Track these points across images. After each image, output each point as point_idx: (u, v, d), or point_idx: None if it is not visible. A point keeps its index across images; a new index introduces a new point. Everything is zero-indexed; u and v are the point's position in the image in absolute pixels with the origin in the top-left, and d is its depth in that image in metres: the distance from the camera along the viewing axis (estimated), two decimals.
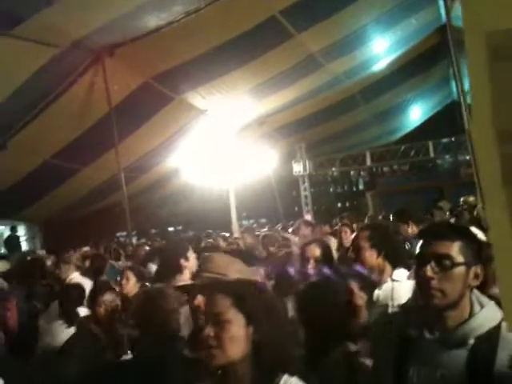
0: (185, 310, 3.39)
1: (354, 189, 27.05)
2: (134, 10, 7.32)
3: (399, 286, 2.81)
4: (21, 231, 14.61)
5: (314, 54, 10.88)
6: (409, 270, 2.88)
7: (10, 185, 10.63)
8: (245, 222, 21.05)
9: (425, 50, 14.73)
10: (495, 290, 1.57)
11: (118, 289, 4.10)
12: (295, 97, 12.82)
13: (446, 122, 18.18)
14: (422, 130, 21.04)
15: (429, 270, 1.64)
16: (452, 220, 7.85)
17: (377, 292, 2.94)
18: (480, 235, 3.82)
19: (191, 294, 2.18)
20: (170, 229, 23.34)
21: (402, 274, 2.91)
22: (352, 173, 20.38)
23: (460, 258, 1.64)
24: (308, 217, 16.22)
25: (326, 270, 2.34)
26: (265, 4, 8.75)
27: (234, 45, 9.18)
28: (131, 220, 9.60)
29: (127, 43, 8.45)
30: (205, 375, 1.64)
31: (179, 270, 3.54)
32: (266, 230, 10.29)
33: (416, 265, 1.71)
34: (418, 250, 1.73)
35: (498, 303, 1.69)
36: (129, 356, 3.11)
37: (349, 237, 5.82)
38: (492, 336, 1.60)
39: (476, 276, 1.67)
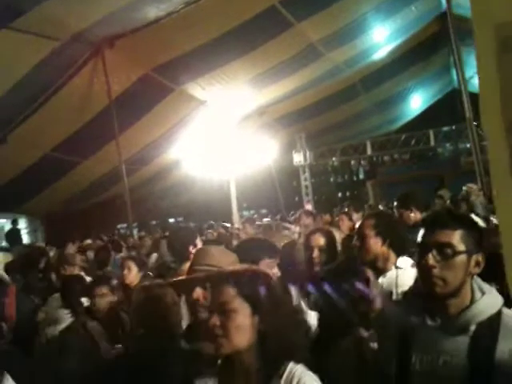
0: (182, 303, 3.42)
1: (355, 178, 27.01)
2: (134, 1, 7.30)
3: (403, 274, 2.83)
4: (22, 224, 14.62)
5: (315, 43, 10.84)
6: (413, 257, 2.90)
7: (11, 178, 10.63)
8: (245, 213, 21.08)
9: (425, 38, 14.67)
10: None
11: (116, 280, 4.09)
12: (295, 86, 12.79)
13: (446, 110, 18.13)
14: (423, 118, 20.97)
15: (430, 259, 1.65)
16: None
17: (381, 280, 2.95)
18: (480, 223, 3.82)
19: (189, 286, 2.19)
20: (171, 220, 23.37)
21: (406, 261, 2.92)
22: (352, 162, 20.35)
23: (461, 247, 1.65)
24: (308, 207, 16.23)
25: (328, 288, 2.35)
26: None
27: (234, 35, 9.15)
28: (132, 212, 9.63)
29: (127, 35, 8.43)
30: (205, 366, 1.67)
31: (188, 257, 3.55)
32: (267, 219, 10.31)
33: (418, 253, 1.73)
34: (419, 239, 1.74)
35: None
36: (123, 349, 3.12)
37: (346, 225, 5.85)
38: (493, 322, 1.62)
39: (477, 264, 1.68)
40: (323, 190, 25.57)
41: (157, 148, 12.50)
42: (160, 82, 10.11)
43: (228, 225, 11.46)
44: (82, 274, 5.15)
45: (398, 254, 3.01)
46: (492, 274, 1.69)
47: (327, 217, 8.54)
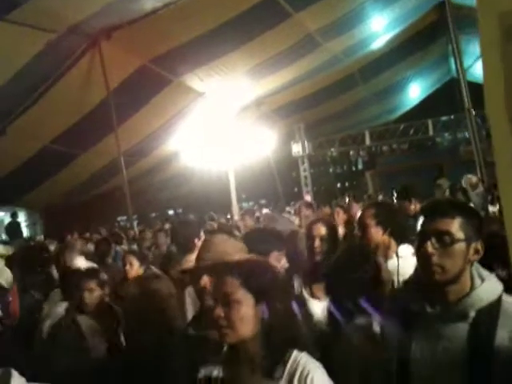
0: (190, 290, 3.43)
1: (354, 169, 27.03)
2: None
3: (404, 262, 2.85)
4: (21, 218, 14.62)
5: (312, 33, 10.80)
6: (413, 246, 2.91)
7: (10, 170, 10.62)
8: (244, 204, 21.09)
9: (423, 28, 14.64)
10: None
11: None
12: (294, 77, 12.76)
13: (444, 99, 18.11)
14: (421, 108, 20.95)
15: (429, 247, 1.66)
16: None
17: None
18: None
19: (197, 275, 2.20)
20: (170, 212, 23.39)
21: (406, 250, 2.94)
22: (351, 153, 20.32)
23: (460, 235, 1.66)
24: (308, 198, 16.23)
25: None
26: None
27: (232, 26, 9.11)
28: (132, 204, 9.63)
29: (124, 26, 8.39)
30: (211, 354, 1.68)
31: (193, 249, 3.56)
32: (266, 210, 10.33)
33: (417, 241, 1.74)
34: (419, 227, 1.75)
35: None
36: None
37: (341, 218, 5.88)
38: (493, 309, 1.63)
39: (476, 251, 1.69)
40: (322, 180, 25.56)
41: (155, 140, 12.49)
42: (158, 74, 10.08)
43: (227, 216, 11.47)
44: (83, 258, 5.18)
45: (399, 243, 3.03)
46: (498, 260, 1.70)
47: (327, 209, 8.56)
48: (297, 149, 18.12)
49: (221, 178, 14.23)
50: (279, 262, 2.56)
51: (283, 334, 1.57)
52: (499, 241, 1.54)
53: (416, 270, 1.82)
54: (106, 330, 3.34)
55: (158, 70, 9.98)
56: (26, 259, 6.20)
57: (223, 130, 12.85)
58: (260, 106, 14.68)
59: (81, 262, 5.07)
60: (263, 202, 22.62)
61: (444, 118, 18.27)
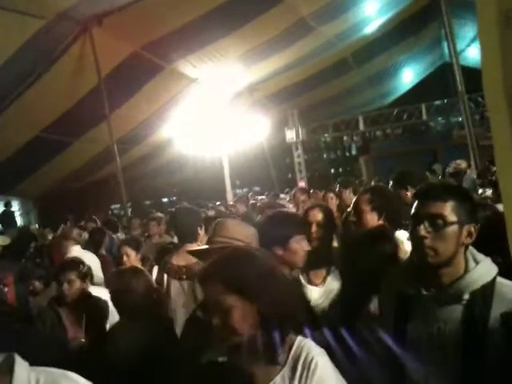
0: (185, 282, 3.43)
1: (347, 154, 27.00)
2: None
3: (400, 247, 2.86)
4: (14, 207, 14.56)
5: (305, 17, 10.72)
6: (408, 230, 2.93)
7: (3, 159, 10.54)
8: (238, 191, 21.07)
9: (415, 12, 14.58)
10: None
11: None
12: (287, 62, 12.69)
13: (438, 84, 18.11)
14: (415, 92, 20.93)
15: (422, 230, 1.68)
16: None
17: None
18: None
19: (205, 258, 2.20)
20: (164, 200, 23.34)
21: (402, 235, 2.95)
22: (345, 138, 20.30)
23: (453, 218, 1.67)
24: (302, 184, 16.26)
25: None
26: None
27: (223, 11, 9.01)
28: (126, 192, 9.61)
29: (115, 12, 8.28)
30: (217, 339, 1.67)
31: (195, 238, 3.55)
32: (262, 197, 10.33)
33: (410, 225, 1.75)
34: (412, 211, 1.77)
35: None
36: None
37: (333, 203, 5.90)
38: (487, 291, 1.65)
39: (469, 234, 1.70)
40: (316, 166, 25.52)
41: (149, 127, 12.42)
42: (150, 60, 9.99)
43: (217, 203, 11.43)
44: (79, 247, 5.17)
45: (395, 228, 3.04)
46: (494, 246, 1.71)
47: (321, 194, 8.56)
48: (290, 135, 18.08)
49: (214, 164, 14.22)
50: (300, 245, 2.56)
51: (283, 322, 1.57)
52: (493, 225, 1.55)
53: (410, 253, 1.83)
54: (88, 322, 3.32)
55: (149, 57, 9.89)
56: (17, 249, 6.23)
57: (216, 116, 12.82)
58: (253, 93, 14.62)
59: (77, 252, 5.07)
60: (257, 188, 22.60)
61: (437, 103, 18.28)
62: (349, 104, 19.58)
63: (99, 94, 8.90)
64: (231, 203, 10.73)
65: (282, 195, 10.25)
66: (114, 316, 3.26)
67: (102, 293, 3.60)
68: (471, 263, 1.71)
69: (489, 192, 5.78)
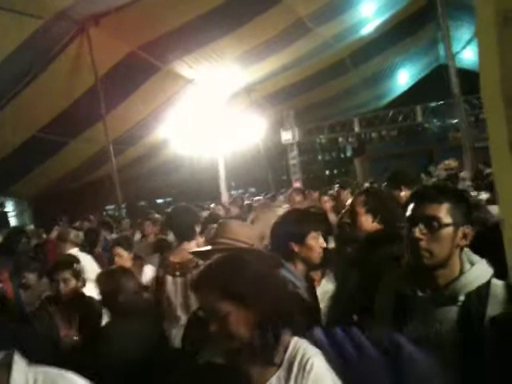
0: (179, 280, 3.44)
1: (342, 156, 27.08)
2: None
3: None
4: (8, 208, 14.50)
5: (303, 18, 10.74)
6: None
7: None
8: (234, 192, 21.06)
9: (412, 13, 14.62)
10: None
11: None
12: (284, 63, 12.71)
13: (433, 85, 18.16)
14: (410, 94, 21.00)
15: (417, 232, 1.69)
16: None
17: None
18: None
19: (209, 259, 2.21)
20: (159, 201, 23.30)
21: None
22: (340, 139, 20.34)
23: (448, 220, 1.68)
24: (297, 185, 16.26)
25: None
26: None
27: (221, 11, 9.02)
28: (121, 192, 9.60)
29: (112, 12, 8.28)
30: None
31: (193, 236, 3.56)
32: (258, 198, 10.32)
33: (406, 227, 1.76)
34: (408, 213, 1.77)
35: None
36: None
37: (328, 205, 5.92)
38: (482, 292, 1.67)
39: (464, 236, 1.71)
40: (311, 168, 25.59)
41: (145, 127, 12.40)
42: (147, 60, 9.98)
43: (211, 205, 11.40)
44: (77, 250, 5.15)
45: (389, 230, 3.05)
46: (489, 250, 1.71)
47: (316, 194, 8.58)
48: (286, 136, 18.06)
49: (210, 165, 14.21)
50: (317, 241, 2.56)
51: (280, 323, 1.57)
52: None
53: (406, 255, 1.84)
54: (81, 321, 3.32)
55: (146, 57, 9.89)
56: (7, 246, 6.22)
57: (213, 117, 12.80)
58: (250, 93, 14.62)
59: (74, 253, 5.05)
60: (252, 189, 22.59)
61: (433, 105, 18.33)
62: (344, 105, 19.61)
63: (96, 94, 8.89)
64: (222, 205, 10.72)
65: (280, 197, 10.22)
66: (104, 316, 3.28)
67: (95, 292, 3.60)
68: (466, 265, 1.73)
69: (484, 195, 5.79)
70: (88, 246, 5.90)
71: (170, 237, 6.28)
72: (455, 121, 16.11)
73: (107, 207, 18.41)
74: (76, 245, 5.25)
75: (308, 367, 1.53)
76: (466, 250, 1.76)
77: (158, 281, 3.49)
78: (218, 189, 14.01)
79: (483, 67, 1.13)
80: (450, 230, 1.68)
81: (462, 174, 9.63)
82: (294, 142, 18.29)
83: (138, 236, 7.52)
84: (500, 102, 1.10)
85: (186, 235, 3.55)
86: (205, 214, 7.32)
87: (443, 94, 15.30)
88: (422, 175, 11.13)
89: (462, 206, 1.73)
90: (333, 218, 4.45)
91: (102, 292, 3.03)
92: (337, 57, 14.72)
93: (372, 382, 1.63)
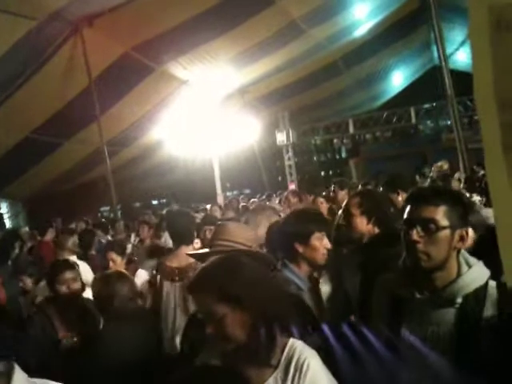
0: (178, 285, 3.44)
1: (337, 157, 27.12)
2: None
3: None
4: (3, 209, 14.42)
5: (296, 19, 10.76)
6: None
7: None
8: (228, 194, 21.04)
9: (405, 15, 14.68)
10: None
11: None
12: (277, 64, 12.72)
13: (427, 87, 18.23)
14: (404, 96, 21.07)
15: (414, 234, 1.70)
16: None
17: None
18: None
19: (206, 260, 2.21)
20: (154, 202, 23.26)
21: None
22: (335, 141, 20.40)
23: (445, 222, 1.69)
24: (292, 186, 16.28)
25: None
26: None
27: (215, 13, 9.01)
28: (116, 194, 9.58)
29: (106, 13, 8.26)
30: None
31: (191, 239, 3.55)
32: (254, 200, 10.31)
33: (403, 229, 1.77)
34: (405, 215, 1.78)
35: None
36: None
37: (324, 207, 5.94)
38: (479, 294, 1.68)
39: (462, 238, 1.72)
40: (306, 169, 25.58)
41: (139, 128, 12.37)
42: (141, 61, 9.96)
43: (207, 206, 11.39)
44: (75, 257, 5.14)
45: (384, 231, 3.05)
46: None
47: (312, 197, 8.60)
48: (281, 137, 18.05)
49: (205, 167, 14.20)
50: (321, 242, 2.56)
51: (275, 325, 1.58)
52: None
53: (404, 257, 1.85)
54: (79, 323, 3.33)
55: (140, 58, 9.87)
56: (6, 249, 6.20)
57: (207, 118, 12.80)
58: (244, 95, 14.62)
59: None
60: (247, 191, 22.58)
61: (426, 106, 18.43)
62: (339, 107, 19.66)
63: (89, 95, 8.86)
64: (218, 206, 10.70)
65: (276, 199, 10.22)
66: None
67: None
68: (464, 267, 1.73)
69: (476, 198, 5.82)
70: (82, 248, 5.89)
71: (163, 240, 6.29)
72: (449, 122, 16.19)
73: (102, 208, 18.36)
74: (74, 252, 5.24)
75: (305, 368, 1.54)
76: (463, 251, 1.76)
77: (154, 285, 3.48)
78: (213, 190, 14.00)
79: (476, 70, 1.14)
80: (447, 232, 1.69)
81: (456, 176, 9.66)
82: (289, 144, 18.30)
83: (133, 238, 7.52)
84: (493, 104, 1.12)
85: (183, 239, 3.55)
86: (200, 215, 7.34)
87: (437, 95, 15.37)
88: (417, 177, 11.18)
89: (458, 209, 1.74)
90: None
91: (96, 296, 3.04)
92: (330, 58, 14.75)
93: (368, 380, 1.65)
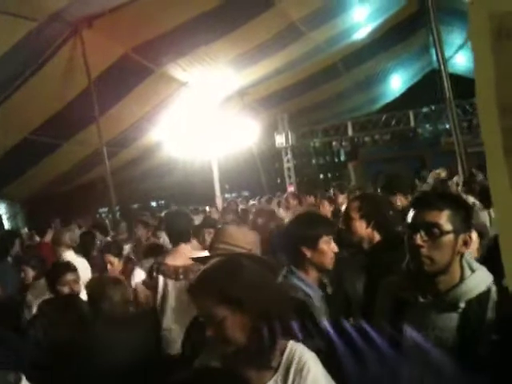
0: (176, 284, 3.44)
1: (336, 160, 27.17)
2: None
3: None
4: (2, 210, 14.39)
5: (296, 22, 10.78)
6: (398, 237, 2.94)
7: None
8: (227, 195, 21.05)
9: (404, 19, 14.71)
10: None
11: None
12: (277, 67, 12.74)
13: (426, 90, 18.27)
14: (403, 99, 21.12)
15: (418, 239, 1.70)
16: None
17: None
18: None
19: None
20: (153, 203, 23.26)
21: None
22: (334, 143, 20.42)
23: (448, 227, 1.70)
24: (291, 189, 16.30)
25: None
26: None
27: (214, 15, 9.03)
28: (115, 195, 9.57)
29: (105, 14, 8.25)
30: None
31: (189, 238, 3.58)
32: (254, 203, 10.33)
33: (407, 233, 1.77)
34: (408, 220, 1.78)
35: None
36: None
37: (327, 209, 5.93)
38: (482, 299, 1.68)
39: (465, 243, 1.73)
40: (305, 171, 25.63)
41: (138, 130, 12.37)
42: (140, 63, 9.96)
43: (207, 208, 11.41)
44: (72, 252, 5.14)
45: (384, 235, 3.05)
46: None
47: (311, 199, 8.61)
48: (280, 140, 18.07)
49: (204, 168, 14.21)
50: (329, 246, 2.52)
51: (275, 328, 1.57)
52: None
53: (407, 261, 1.85)
54: (78, 324, 3.33)
55: (140, 60, 9.87)
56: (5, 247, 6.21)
57: (206, 120, 12.82)
58: (243, 97, 14.63)
59: (70, 257, 5.04)
60: (246, 193, 22.59)
61: (425, 109, 18.44)
62: (338, 109, 19.68)
63: (89, 96, 8.85)
64: (217, 208, 10.72)
65: (274, 201, 10.21)
66: None
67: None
68: (467, 271, 1.74)
69: (471, 200, 5.83)
70: (83, 249, 5.89)
71: (162, 240, 6.31)
72: (447, 126, 16.21)
73: (100, 210, 18.35)
74: (70, 247, 5.23)
75: (305, 371, 1.54)
76: (467, 256, 1.77)
77: (153, 285, 3.49)
78: (212, 192, 14.01)
79: (478, 76, 1.15)
80: (450, 237, 1.70)
81: (455, 179, 9.68)
82: (288, 146, 18.31)
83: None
84: (494, 109, 1.13)
85: (182, 237, 3.58)
86: (199, 217, 7.34)
87: (436, 98, 15.39)
88: (416, 180, 11.20)
89: (462, 213, 1.75)
90: None
91: (89, 298, 3.05)
92: (329, 61, 14.77)
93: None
